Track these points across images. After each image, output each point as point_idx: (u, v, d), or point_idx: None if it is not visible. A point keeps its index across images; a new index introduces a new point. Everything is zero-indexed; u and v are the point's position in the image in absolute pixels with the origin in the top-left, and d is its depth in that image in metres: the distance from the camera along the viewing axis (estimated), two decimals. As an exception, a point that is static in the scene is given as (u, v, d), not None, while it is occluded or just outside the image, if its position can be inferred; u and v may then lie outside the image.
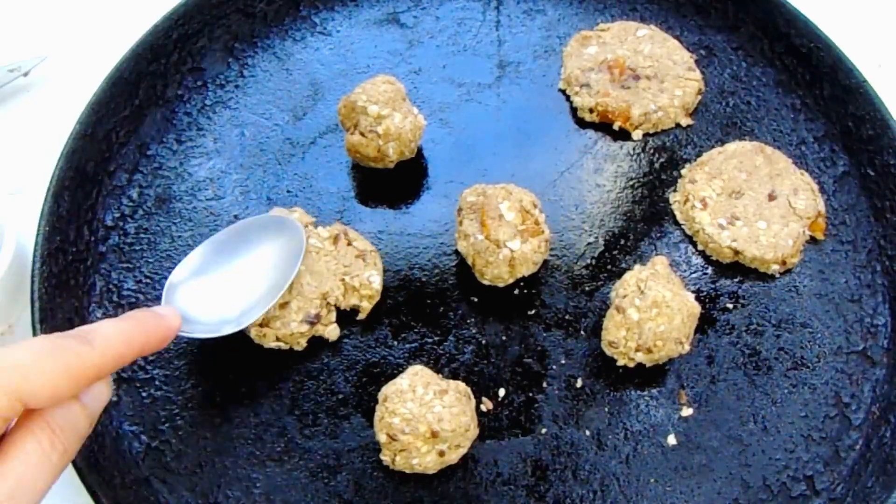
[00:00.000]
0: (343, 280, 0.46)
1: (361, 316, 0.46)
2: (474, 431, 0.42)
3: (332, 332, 0.45)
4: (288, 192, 0.51)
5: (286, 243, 0.45)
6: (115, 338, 0.33)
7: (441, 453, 0.40)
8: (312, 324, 0.44)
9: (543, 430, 0.44)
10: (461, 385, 0.42)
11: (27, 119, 0.57)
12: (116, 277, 0.48)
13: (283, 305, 0.44)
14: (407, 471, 0.41)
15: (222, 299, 0.43)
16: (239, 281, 0.44)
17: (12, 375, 0.29)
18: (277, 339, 0.44)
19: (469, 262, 0.46)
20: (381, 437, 0.40)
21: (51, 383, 0.30)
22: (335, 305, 0.46)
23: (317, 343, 0.46)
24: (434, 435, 0.39)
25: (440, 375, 0.42)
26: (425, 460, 0.40)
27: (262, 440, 0.43)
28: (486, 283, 0.47)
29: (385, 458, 0.41)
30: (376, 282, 0.46)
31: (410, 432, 0.39)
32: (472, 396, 0.42)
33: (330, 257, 0.46)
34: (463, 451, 0.41)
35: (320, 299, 0.45)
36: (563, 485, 0.43)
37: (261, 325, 0.44)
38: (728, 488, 0.43)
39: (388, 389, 0.41)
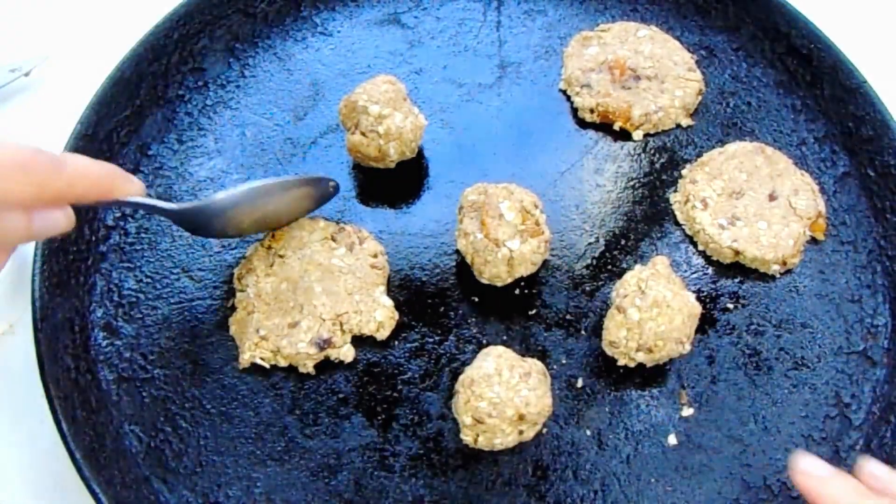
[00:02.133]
0: (358, 305, 0.45)
1: (381, 338, 0.46)
2: (551, 409, 0.42)
3: (346, 352, 0.45)
4: (288, 191, 0.51)
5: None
6: (85, 172, 0.35)
7: (521, 432, 0.41)
8: (322, 348, 0.44)
9: (544, 430, 0.44)
10: (538, 363, 0.43)
11: (28, 119, 0.57)
12: (117, 277, 0.48)
13: (293, 325, 0.44)
14: (486, 448, 0.42)
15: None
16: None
17: None
18: (281, 358, 0.44)
19: (468, 260, 0.46)
20: (466, 420, 0.41)
21: (14, 193, 0.32)
22: (351, 331, 0.45)
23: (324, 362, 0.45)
24: (521, 418, 0.40)
25: (518, 355, 0.43)
26: (507, 440, 0.41)
27: (262, 440, 0.43)
28: (484, 281, 0.47)
29: (466, 437, 0.42)
30: (389, 304, 0.46)
31: (498, 415, 0.40)
32: (548, 374, 0.43)
33: (350, 275, 0.46)
34: (538, 427, 0.42)
35: (333, 320, 0.44)
36: (563, 484, 0.43)
37: (262, 340, 0.44)
38: (728, 488, 0.43)
39: (473, 373, 0.41)
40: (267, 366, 0.44)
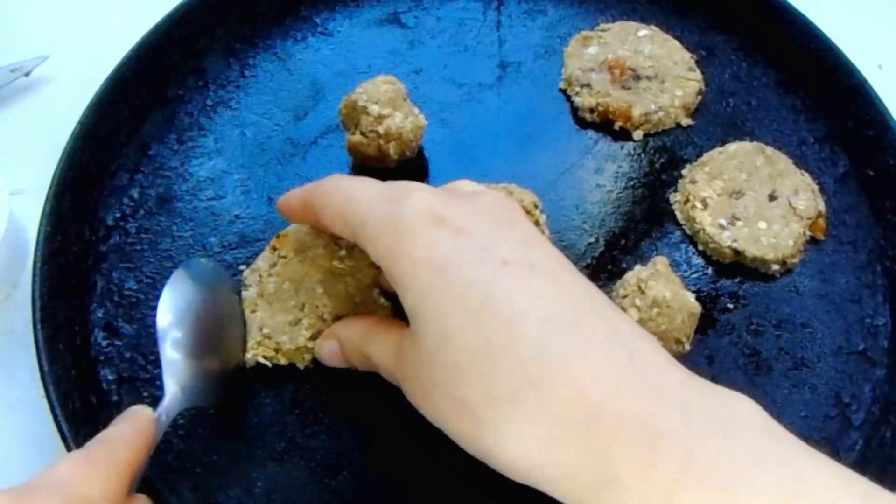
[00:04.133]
0: (358, 306, 0.45)
1: None
2: None
3: None
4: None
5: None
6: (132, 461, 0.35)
7: None
8: None
9: (544, 430, 0.44)
10: None
11: (28, 119, 0.57)
12: (117, 277, 0.48)
13: (294, 322, 0.44)
14: None
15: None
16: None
17: None
18: (282, 356, 0.44)
19: None
20: None
21: None
22: None
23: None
24: None
25: None
26: None
27: (262, 440, 0.43)
28: None
29: None
30: (386, 305, 0.46)
31: None
32: None
33: (350, 277, 0.46)
34: None
35: (333, 320, 0.44)
36: (563, 485, 0.43)
37: (265, 338, 0.44)
38: (728, 488, 0.43)
39: None
40: (269, 364, 0.44)
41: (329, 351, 0.42)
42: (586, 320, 0.31)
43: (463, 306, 0.31)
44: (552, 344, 0.30)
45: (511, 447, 0.30)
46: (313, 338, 0.44)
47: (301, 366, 0.45)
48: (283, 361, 0.44)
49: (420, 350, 0.33)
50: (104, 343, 0.46)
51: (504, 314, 0.30)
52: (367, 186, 0.37)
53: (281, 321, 0.44)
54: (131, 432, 0.35)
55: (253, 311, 0.45)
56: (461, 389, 0.31)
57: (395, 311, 0.46)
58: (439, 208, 0.33)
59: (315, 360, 0.45)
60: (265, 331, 0.44)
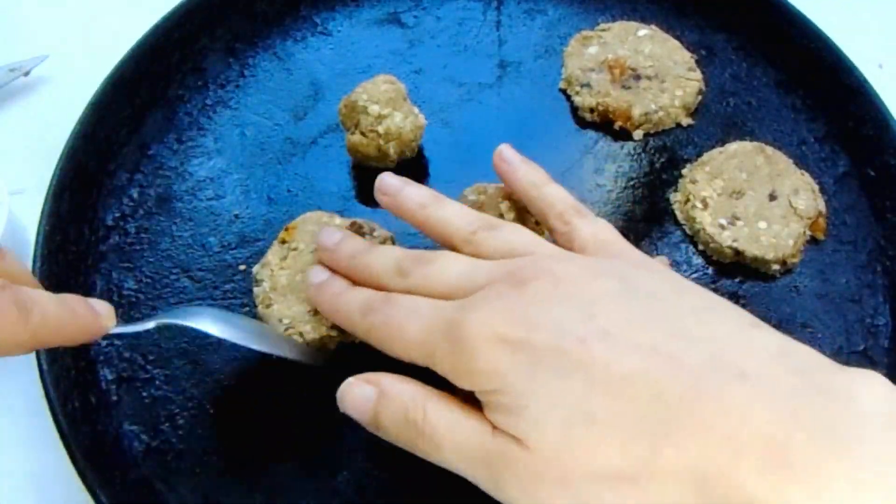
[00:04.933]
0: None
1: None
2: None
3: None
4: (288, 191, 0.51)
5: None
6: (50, 323, 0.32)
7: None
8: (342, 331, 0.44)
9: (544, 430, 0.44)
10: None
11: (28, 119, 0.57)
12: (117, 277, 0.48)
13: (314, 312, 0.44)
14: None
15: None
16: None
17: None
18: (311, 343, 0.44)
19: None
20: None
21: None
22: None
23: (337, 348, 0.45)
24: None
25: None
26: None
27: (262, 440, 0.43)
28: None
29: None
30: None
31: None
32: None
33: None
34: None
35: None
36: (563, 485, 0.43)
37: (288, 329, 0.44)
38: (729, 488, 0.43)
39: None
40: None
41: (360, 398, 0.37)
42: (682, 351, 0.31)
43: (569, 391, 0.31)
44: (669, 386, 0.30)
45: (669, 494, 0.30)
46: (333, 326, 0.44)
47: (331, 346, 0.45)
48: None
49: (541, 454, 0.32)
50: (103, 342, 0.46)
51: (608, 379, 0.31)
52: (416, 323, 0.36)
53: (299, 311, 0.44)
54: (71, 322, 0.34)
55: (268, 307, 0.45)
56: (610, 461, 0.30)
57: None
58: (497, 328, 0.33)
59: (317, 367, 0.45)
60: (286, 321, 0.44)
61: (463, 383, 0.33)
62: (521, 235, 0.40)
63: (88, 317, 0.35)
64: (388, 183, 0.43)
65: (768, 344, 0.33)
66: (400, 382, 0.36)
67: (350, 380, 0.38)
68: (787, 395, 0.30)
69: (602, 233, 0.41)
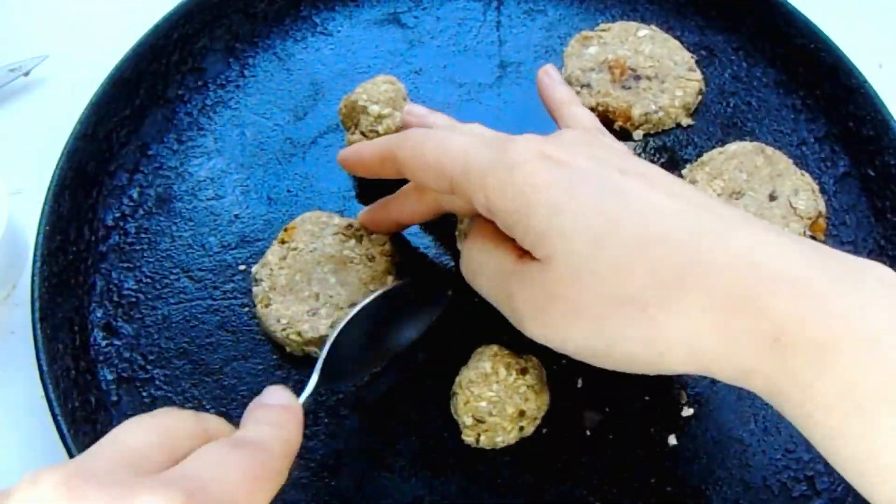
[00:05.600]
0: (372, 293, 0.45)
1: None
2: (549, 403, 0.43)
3: None
4: (288, 191, 0.51)
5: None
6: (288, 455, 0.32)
7: (521, 428, 0.42)
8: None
9: (544, 430, 0.44)
10: (533, 358, 0.43)
11: (28, 119, 0.57)
12: (117, 277, 0.48)
13: (312, 312, 0.44)
14: (488, 447, 0.42)
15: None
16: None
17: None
18: (309, 343, 0.44)
19: None
20: (467, 420, 0.41)
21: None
22: None
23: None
24: (521, 414, 0.41)
25: (511, 351, 0.43)
26: (509, 437, 0.42)
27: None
28: (466, 440, 0.45)
29: (468, 438, 0.42)
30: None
31: (498, 414, 0.41)
32: (543, 368, 0.44)
33: (362, 265, 0.46)
34: (538, 422, 0.43)
35: (349, 308, 0.44)
36: (563, 485, 0.43)
37: (285, 329, 0.44)
38: (728, 488, 0.43)
39: (470, 374, 0.42)
40: (300, 353, 0.45)
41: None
42: (714, 206, 0.33)
43: (606, 209, 0.32)
44: (701, 225, 0.32)
45: (683, 327, 0.31)
46: (333, 325, 0.44)
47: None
48: (300, 350, 0.45)
49: (559, 272, 0.33)
50: (103, 343, 0.46)
51: (646, 208, 0.32)
52: (460, 138, 0.37)
53: (298, 311, 0.44)
54: (287, 431, 0.33)
55: (266, 306, 0.45)
56: (625, 287, 0.31)
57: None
58: (544, 147, 0.35)
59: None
60: (283, 321, 0.44)
61: (497, 202, 0.34)
62: None
63: (281, 418, 0.33)
64: (417, 109, 0.48)
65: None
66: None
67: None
68: (811, 253, 0.31)
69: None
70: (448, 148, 0.37)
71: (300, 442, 0.33)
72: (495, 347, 0.43)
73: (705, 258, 0.31)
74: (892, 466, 0.28)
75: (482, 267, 0.38)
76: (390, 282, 0.46)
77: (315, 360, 0.45)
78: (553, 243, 0.33)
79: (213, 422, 0.33)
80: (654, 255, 0.31)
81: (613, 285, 0.32)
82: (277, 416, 0.33)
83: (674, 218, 0.32)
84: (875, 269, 0.31)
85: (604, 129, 0.44)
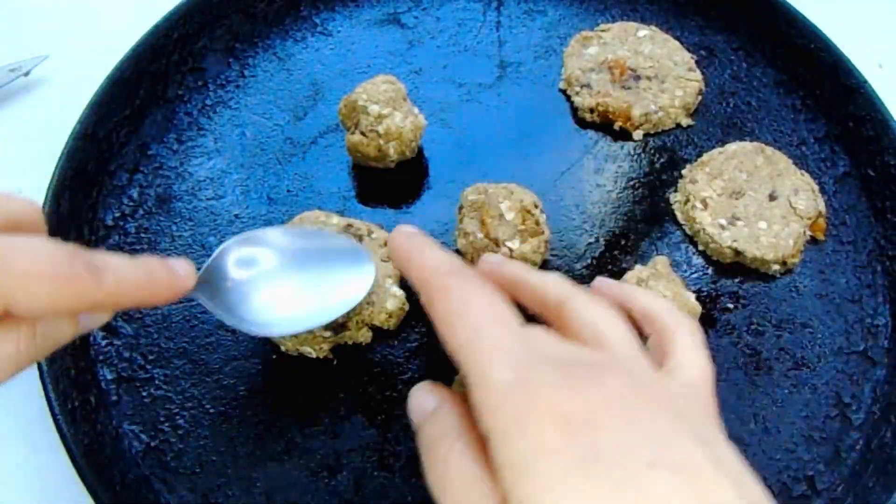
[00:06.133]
0: (370, 296, 0.45)
1: (391, 327, 0.46)
2: None
3: (364, 335, 0.45)
4: (288, 191, 0.51)
5: (356, 277, 0.42)
6: (124, 283, 0.31)
7: None
8: (337, 332, 0.44)
9: (544, 430, 0.44)
10: None
11: (28, 119, 0.57)
12: (117, 277, 0.48)
13: None
14: None
15: (269, 300, 0.40)
16: (296, 291, 0.40)
17: (8, 284, 0.27)
18: (303, 343, 0.44)
19: (467, 259, 0.46)
20: None
21: (45, 307, 0.28)
22: (363, 322, 0.45)
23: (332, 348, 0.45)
24: None
25: None
26: None
27: (262, 440, 0.43)
28: None
29: None
30: (399, 294, 0.46)
31: None
32: None
33: None
34: None
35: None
36: (563, 485, 0.43)
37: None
38: (729, 488, 0.43)
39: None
40: (295, 353, 0.44)
41: (418, 405, 0.34)
42: None
43: None
44: None
45: None
46: (329, 328, 0.44)
47: (320, 355, 0.45)
48: (294, 350, 0.44)
49: None
50: (103, 343, 0.46)
51: None
52: (497, 342, 0.29)
53: None
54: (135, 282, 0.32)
55: None
56: None
57: (409, 301, 0.46)
58: (569, 403, 0.27)
59: (332, 351, 0.45)
60: None
61: (497, 444, 0.27)
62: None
63: (166, 277, 0.33)
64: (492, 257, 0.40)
65: None
66: (452, 408, 0.32)
67: (422, 384, 0.34)
68: None
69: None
70: (463, 325, 0.30)
71: (156, 301, 0.33)
72: None
73: None
74: None
75: (463, 494, 0.29)
76: (388, 285, 0.45)
77: (311, 360, 0.45)
78: None
79: (18, 205, 0.31)
80: None
81: None
82: (159, 266, 0.33)
83: None
84: None
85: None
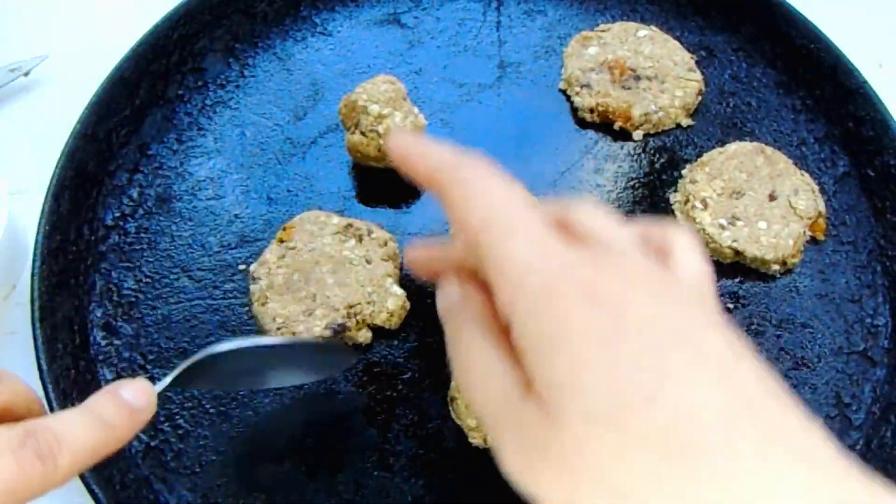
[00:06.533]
0: (371, 296, 0.45)
1: (392, 327, 0.46)
2: None
3: (363, 335, 0.45)
4: (288, 191, 0.51)
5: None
6: (82, 453, 0.29)
7: None
8: (337, 332, 0.44)
9: (544, 430, 0.44)
10: None
11: (28, 119, 0.57)
12: (116, 277, 0.48)
13: (308, 312, 0.44)
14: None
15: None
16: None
17: None
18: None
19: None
20: (471, 423, 0.41)
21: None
22: (364, 321, 0.45)
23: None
24: None
25: None
26: None
27: (262, 440, 0.43)
28: (473, 442, 0.45)
29: (475, 440, 0.42)
30: (400, 294, 0.46)
31: None
32: None
33: (361, 267, 0.46)
34: None
35: (346, 310, 0.44)
36: (563, 485, 0.43)
37: (280, 328, 0.44)
38: (729, 488, 0.43)
39: None
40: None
41: (444, 298, 0.33)
42: (765, 409, 0.27)
43: (639, 388, 0.26)
44: (736, 441, 0.26)
45: None
46: (328, 326, 0.44)
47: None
48: None
49: (566, 438, 0.26)
50: (103, 342, 0.46)
51: (680, 403, 0.26)
52: (525, 211, 0.29)
53: (294, 311, 0.44)
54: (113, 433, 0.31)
55: (263, 304, 0.45)
56: (623, 483, 0.26)
57: (409, 301, 0.46)
58: (595, 274, 0.27)
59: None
60: (279, 321, 0.44)
61: (520, 327, 0.27)
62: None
63: (123, 421, 0.31)
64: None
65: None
66: (475, 296, 0.31)
67: (448, 279, 0.33)
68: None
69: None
70: (483, 202, 0.30)
71: (120, 445, 0.31)
72: None
73: (740, 472, 0.25)
74: None
75: (486, 382, 0.29)
76: (388, 284, 0.45)
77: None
78: (568, 404, 0.26)
79: (11, 386, 0.31)
80: (672, 463, 0.25)
81: (616, 478, 0.26)
82: (115, 415, 0.31)
83: (710, 421, 0.25)
84: None
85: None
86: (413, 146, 0.34)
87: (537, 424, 0.27)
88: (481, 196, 0.30)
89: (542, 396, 0.27)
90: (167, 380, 0.35)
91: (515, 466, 0.28)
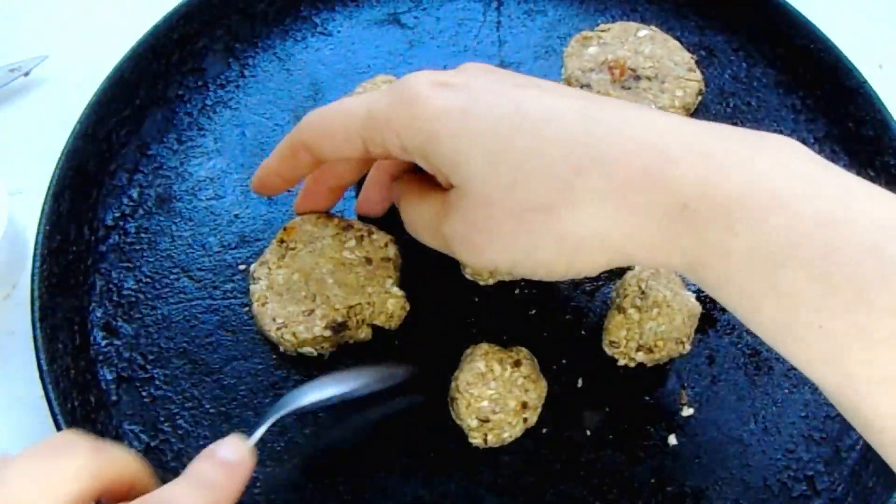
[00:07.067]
0: (371, 297, 0.45)
1: (392, 327, 0.46)
2: (546, 388, 0.43)
3: (364, 332, 0.45)
4: (288, 191, 0.51)
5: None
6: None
7: (525, 420, 0.42)
8: (338, 331, 0.44)
9: (543, 430, 0.44)
10: (522, 349, 0.43)
11: (27, 119, 0.57)
12: (116, 277, 0.48)
13: (308, 312, 0.44)
14: (496, 445, 0.42)
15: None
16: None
17: None
18: (303, 344, 0.44)
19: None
20: (472, 423, 0.41)
21: None
22: (364, 321, 0.45)
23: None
24: (524, 406, 0.41)
25: (500, 347, 0.43)
26: (515, 431, 0.42)
27: (262, 440, 0.43)
28: (468, 276, 0.47)
29: (475, 440, 0.42)
30: (400, 294, 0.46)
31: (501, 410, 0.41)
32: (533, 357, 0.44)
33: (361, 267, 0.46)
34: (539, 411, 0.43)
35: (346, 311, 0.44)
36: (563, 484, 0.43)
37: (280, 329, 0.44)
38: (728, 488, 0.43)
39: (466, 376, 0.42)
40: (294, 353, 0.45)
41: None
42: (609, 101, 0.34)
43: (501, 127, 0.33)
44: (598, 123, 0.32)
45: (588, 218, 0.32)
46: (328, 327, 0.44)
47: (321, 350, 0.45)
48: (300, 350, 0.45)
49: (470, 198, 0.34)
50: (103, 342, 0.46)
51: (541, 115, 0.33)
52: (356, 98, 0.39)
53: (294, 311, 0.44)
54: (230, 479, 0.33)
55: (263, 305, 0.45)
56: (528, 197, 0.32)
57: (410, 301, 0.46)
58: (437, 76, 0.36)
59: (321, 360, 0.45)
60: (279, 321, 0.44)
61: (407, 142, 0.35)
62: None
63: (225, 479, 0.32)
64: None
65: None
66: (408, 181, 0.41)
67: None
68: (707, 129, 0.32)
69: None
70: (349, 108, 0.38)
71: (236, 499, 0.32)
72: (485, 345, 0.43)
73: (601, 147, 0.31)
74: (807, 323, 0.28)
75: (419, 218, 0.39)
76: (389, 285, 0.45)
77: (310, 358, 0.45)
78: (460, 170, 0.34)
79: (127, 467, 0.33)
80: (550, 158, 0.32)
81: (517, 199, 0.32)
82: (218, 475, 0.32)
83: (568, 118, 0.32)
84: (774, 138, 0.32)
85: None
86: (261, 166, 0.45)
87: (456, 205, 0.35)
88: (331, 107, 0.40)
89: (450, 180, 0.35)
90: (258, 434, 0.37)
91: (460, 249, 0.37)
